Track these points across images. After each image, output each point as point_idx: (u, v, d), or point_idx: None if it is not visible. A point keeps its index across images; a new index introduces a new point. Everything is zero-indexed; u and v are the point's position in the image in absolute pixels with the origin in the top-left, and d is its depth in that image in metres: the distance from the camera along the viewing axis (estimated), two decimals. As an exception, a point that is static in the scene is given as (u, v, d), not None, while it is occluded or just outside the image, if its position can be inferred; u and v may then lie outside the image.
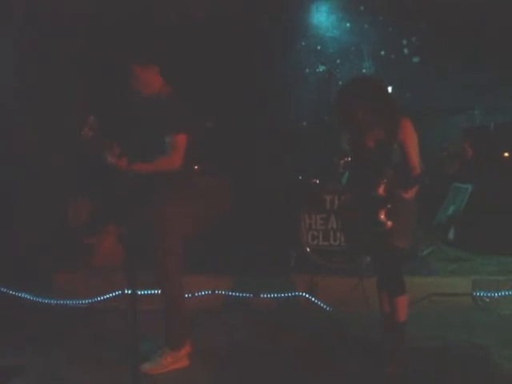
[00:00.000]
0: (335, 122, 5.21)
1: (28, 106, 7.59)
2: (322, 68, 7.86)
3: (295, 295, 6.44)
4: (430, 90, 8.41)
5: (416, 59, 8.79)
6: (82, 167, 7.46)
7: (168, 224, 4.81)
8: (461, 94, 8.40)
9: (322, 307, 6.30)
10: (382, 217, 4.64)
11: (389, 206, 4.61)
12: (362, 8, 8.78)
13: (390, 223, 4.63)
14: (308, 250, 6.78)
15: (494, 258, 7.14)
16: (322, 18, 8.79)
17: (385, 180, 4.66)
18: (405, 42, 8.81)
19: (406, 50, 8.84)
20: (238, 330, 5.71)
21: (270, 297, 6.44)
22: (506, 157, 7.38)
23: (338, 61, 8.79)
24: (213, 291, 6.42)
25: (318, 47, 8.90)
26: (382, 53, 8.81)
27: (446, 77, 8.47)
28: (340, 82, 7.79)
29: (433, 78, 8.49)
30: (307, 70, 8.84)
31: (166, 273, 4.90)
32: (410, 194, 4.54)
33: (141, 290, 6.22)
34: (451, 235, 7.82)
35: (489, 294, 6.30)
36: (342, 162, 7.04)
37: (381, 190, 4.65)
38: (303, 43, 8.88)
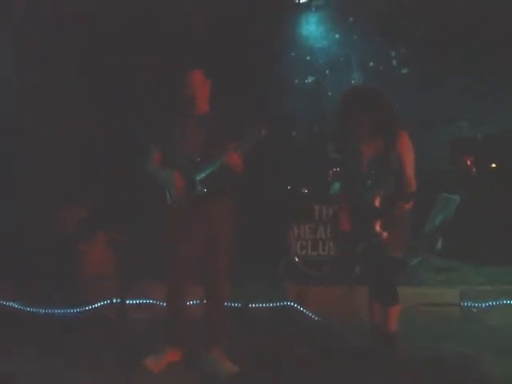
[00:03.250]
0: (330, 131, 5.24)
1: (28, 107, 7.61)
2: (311, 78, 7.88)
3: (284, 305, 6.44)
4: (418, 101, 8.45)
5: (404, 70, 8.83)
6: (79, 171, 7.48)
7: (233, 236, 5.02)
8: (449, 105, 8.45)
9: (311, 317, 6.30)
10: (378, 228, 4.66)
11: (384, 217, 4.63)
12: (351, 19, 8.82)
13: (385, 234, 4.66)
14: (297, 259, 6.80)
15: (481, 269, 7.18)
16: (312, 29, 8.82)
17: (381, 192, 4.68)
18: (393, 53, 8.85)
19: (394, 62, 8.88)
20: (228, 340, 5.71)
21: (259, 306, 6.44)
22: (494, 168, 7.43)
23: (327, 71, 8.82)
24: (201, 301, 6.38)
25: (308, 58, 8.93)
26: (371, 64, 8.85)
27: (433, 88, 8.51)
28: (329, 93, 7.83)
29: (421, 88, 8.53)
30: (296, 81, 8.86)
31: (226, 281, 5.08)
32: (407, 207, 4.58)
33: (129, 299, 6.24)
34: (439, 245, 7.85)
35: (476, 304, 6.33)
36: (331, 172, 7.08)
37: (377, 202, 4.68)
38: (292, 54, 8.91)
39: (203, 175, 4.81)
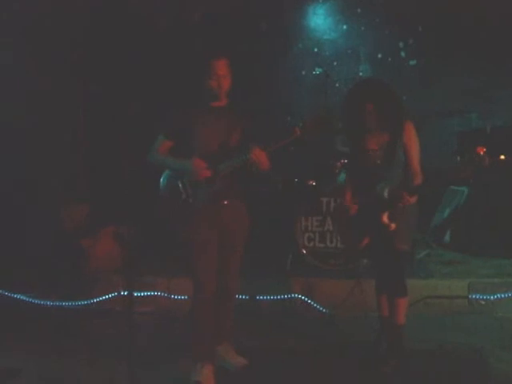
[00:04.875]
0: (338, 122, 5.20)
1: (27, 107, 7.62)
2: (318, 70, 7.85)
3: (292, 297, 6.44)
4: (425, 93, 8.42)
5: (413, 62, 8.80)
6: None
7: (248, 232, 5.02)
8: (457, 97, 8.42)
9: (319, 309, 6.30)
10: (386, 219, 4.65)
11: (392, 208, 4.62)
12: (358, 11, 8.79)
13: (393, 225, 4.65)
14: (304, 251, 6.78)
15: (489, 261, 7.15)
16: (319, 21, 8.80)
17: (389, 183, 4.67)
18: (401, 44, 8.82)
19: (402, 53, 8.85)
20: (234, 332, 5.71)
21: (267, 299, 6.44)
22: (502, 160, 7.38)
23: (335, 63, 8.80)
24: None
25: (315, 49, 8.91)
26: (379, 56, 8.83)
27: (441, 80, 8.49)
28: (337, 85, 7.80)
29: (429, 80, 8.51)
30: (304, 72, 8.84)
31: (238, 278, 5.06)
32: (413, 199, 4.57)
33: (137, 292, 6.25)
34: (447, 238, 7.83)
35: (484, 297, 6.31)
36: (338, 163, 7.05)
37: (385, 193, 4.66)
38: (300, 45, 8.89)
39: (224, 166, 4.71)
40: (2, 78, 7.38)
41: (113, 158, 7.75)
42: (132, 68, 7.95)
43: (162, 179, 4.88)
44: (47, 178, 7.63)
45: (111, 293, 6.44)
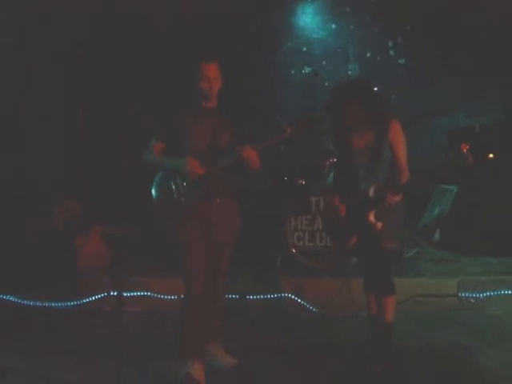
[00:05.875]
0: (324, 122, 5.21)
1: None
2: (307, 69, 7.86)
3: (281, 297, 6.44)
4: (414, 92, 8.44)
5: (401, 61, 8.81)
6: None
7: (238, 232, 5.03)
8: (445, 96, 8.44)
9: (309, 309, 6.30)
10: (372, 218, 4.66)
11: (378, 207, 4.62)
12: (347, 9, 8.79)
13: (380, 224, 4.65)
14: (294, 251, 6.78)
15: (479, 259, 7.18)
16: (308, 20, 8.81)
17: (375, 182, 4.68)
18: (390, 43, 8.83)
19: (391, 52, 8.86)
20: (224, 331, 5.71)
21: (256, 298, 6.44)
22: (491, 158, 7.42)
23: (324, 62, 8.80)
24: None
25: (304, 48, 8.91)
26: (368, 54, 8.83)
27: (430, 79, 8.51)
28: (326, 83, 7.81)
29: (417, 80, 8.53)
30: (293, 72, 8.84)
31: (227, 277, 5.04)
32: (398, 197, 4.57)
33: (126, 292, 6.24)
34: (437, 236, 7.85)
35: (474, 295, 6.33)
36: (328, 162, 7.06)
37: (371, 192, 4.67)
38: (289, 44, 8.89)
39: (217, 165, 4.73)
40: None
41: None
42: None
43: (155, 180, 4.89)
44: (40, 176, 7.61)
45: (100, 293, 6.42)
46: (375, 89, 4.87)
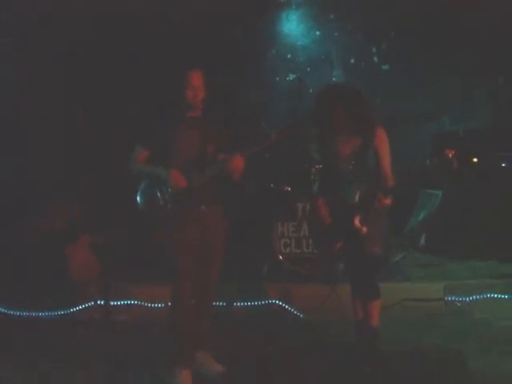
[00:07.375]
0: (309, 128, 5.23)
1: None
2: (292, 76, 7.88)
3: (269, 303, 6.44)
4: (399, 98, 8.47)
5: (385, 67, 8.84)
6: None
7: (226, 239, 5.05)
8: (430, 101, 8.47)
9: (296, 315, 6.31)
10: (357, 223, 4.67)
11: (363, 212, 4.64)
12: (331, 16, 8.81)
13: (365, 229, 4.67)
14: (281, 257, 6.79)
15: (464, 263, 7.22)
16: (292, 27, 8.82)
17: (360, 187, 4.70)
18: (374, 49, 8.85)
19: (375, 58, 8.88)
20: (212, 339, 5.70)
21: (244, 305, 6.44)
22: (476, 162, 7.45)
23: (309, 69, 8.81)
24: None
25: (288, 55, 8.92)
26: (352, 61, 8.86)
27: (415, 84, 8.53)
28: (310, 90, 7.82)
29: (402, 85, 8.55)
30: (277, 78, 8.85)
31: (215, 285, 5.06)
32: (389, 201, 4.59)
33: (114, 301, 6.23)
34: (423, 241, 7.88)
35: (460, 299, 6.36)
36: (313, 169, 7.07)
37: (356, 197, 4.69)
38: (273, 51, 8.90)
39: (200, 175, 4.76)
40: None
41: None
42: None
43: (140, 187, 4.89)
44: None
45: (88, 302, 6.40)
46: (359, 94, 4.86)
